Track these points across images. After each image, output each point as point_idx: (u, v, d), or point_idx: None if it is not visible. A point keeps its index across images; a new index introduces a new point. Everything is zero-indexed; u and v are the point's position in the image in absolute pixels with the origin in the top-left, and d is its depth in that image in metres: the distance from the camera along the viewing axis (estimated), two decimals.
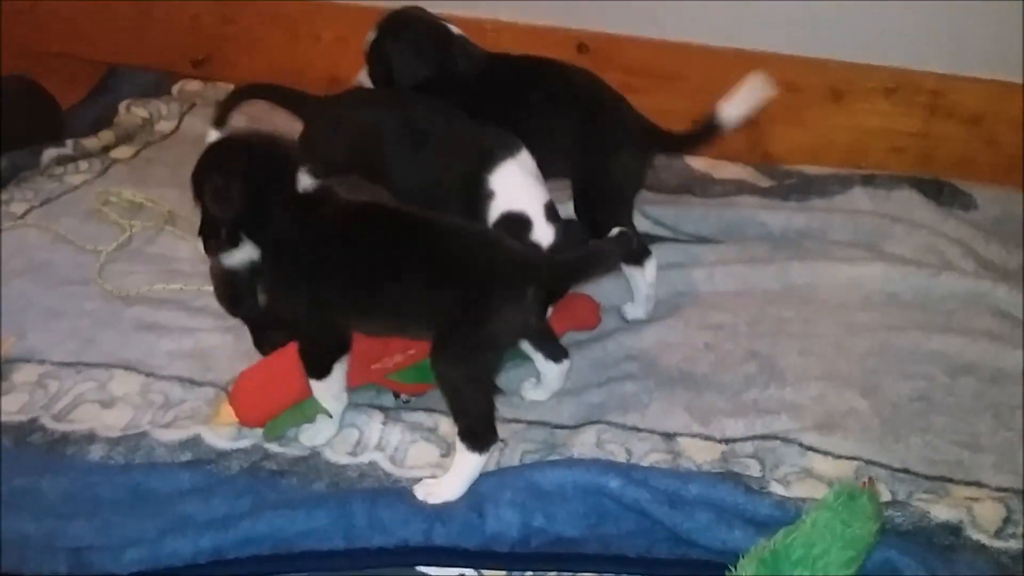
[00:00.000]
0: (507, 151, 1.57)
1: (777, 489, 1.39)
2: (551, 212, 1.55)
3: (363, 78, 1.84)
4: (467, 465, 1.36)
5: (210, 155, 1.41)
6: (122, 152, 2.29)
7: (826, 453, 1.46)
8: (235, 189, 1.36)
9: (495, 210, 1.54)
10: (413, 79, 1.74)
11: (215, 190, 1.37)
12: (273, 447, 1.47)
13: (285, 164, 1.39)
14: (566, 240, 1.53)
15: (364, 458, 1.46)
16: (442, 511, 1.33)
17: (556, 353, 1.53)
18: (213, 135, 1.78)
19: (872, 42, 2.20)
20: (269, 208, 1.38)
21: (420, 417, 1.54)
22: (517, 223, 1.52)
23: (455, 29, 1.82)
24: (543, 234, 1.52)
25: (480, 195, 1.54)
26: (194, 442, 1.47)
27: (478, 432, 1.36)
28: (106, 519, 1.33)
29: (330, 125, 1.70)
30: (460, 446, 1.36)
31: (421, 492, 1.36)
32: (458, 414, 1.36)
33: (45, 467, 1.42)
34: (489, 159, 1.55)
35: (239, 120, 2.46)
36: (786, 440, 1.48)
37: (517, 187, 1.54)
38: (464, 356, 1.34)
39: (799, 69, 2.26)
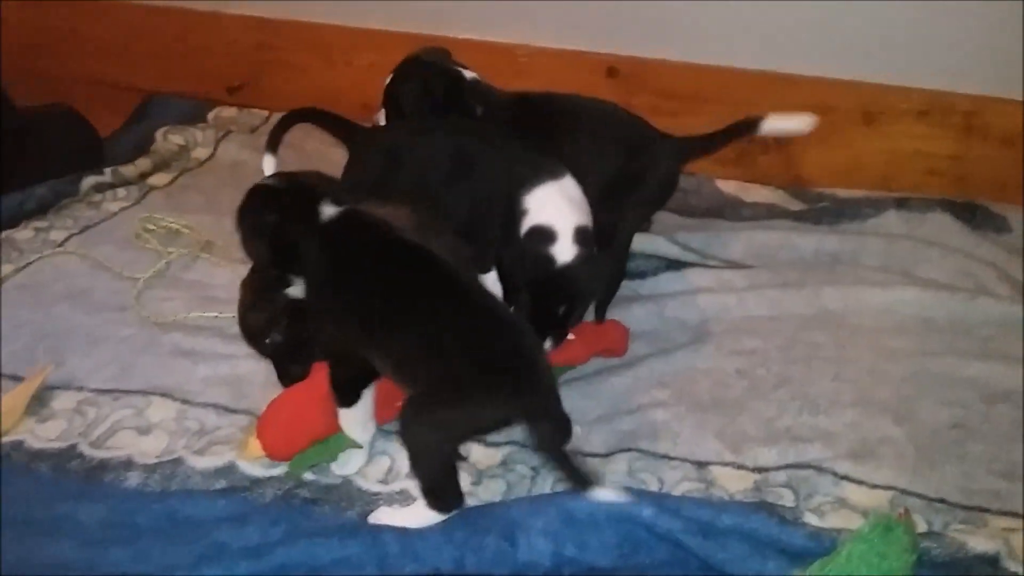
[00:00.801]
0: (548, 174, 1.59)
1: (811, 519, 1.38)
2: (582, 236, 1.56)
3: (380, 118, 1.87)
4: (422, 517, 1.36)
5: (242, 208, 1.47)
6: (159, 179, 2.33)
7: (860, 482, 1.45)
8: (260, 245, 1.44)
9: (526, 225, 1.56)
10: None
11: (244, 245, 1.45)
12: (306, 475, 1.48)
13: (308, 200, 1.43)
14: (591, 266, 1.55)
15: (395, 486, 1.46)
16: (473, 539, 1.33)
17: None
18: (269, 161, 1.90)
19: (905, 64, 2.19)
20: (298, 244, 1.42)
21: None
22: (542, 235, 1.54)
23: (469, 73, 1.86)
24: (564, 251, 1.53)
25: (515, 213, 1.57)
26: (229, 469, 1.49)
27: (438, 495, 1.35)
28: (144, 546, 1.34)
29: (381, 152, 1.74)
30: (421, 501, 1.36)
31: (375, 516, 1.39)
32: (416, 475, 1.36)
33: (83, 494, 1.44)
34: (528, 180, 1.58)
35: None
36: (820, 469, 1.46)
37: (551, 206, 1.56)
38: (431, 429, 1.33)
39: (831, 91, 2.25)
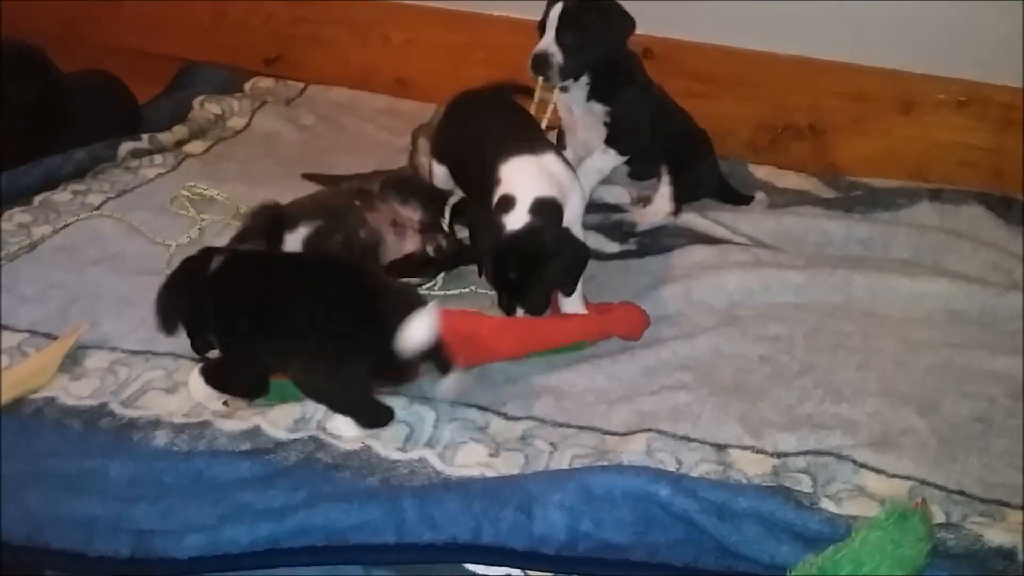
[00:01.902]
0: (528, 148, 1.65)
1: (828, 505, 1.38)
2: (540, 207, 1.60)
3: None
4: (352, 430, 1.50)
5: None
6: (195, 147, 2.36)
7: (880, 471, 1.44)
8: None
9: (496, 194, 1.63)
10: None
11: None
12: (326, 438, 1.50)
13: (201, 263, 1.60)
14: (540, 236, 1.59)
15: (414, 454, 1.48)
16: (491, 510, 1.34)
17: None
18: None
19: (944, 53, 2.17)
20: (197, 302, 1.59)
21: (472, 415, 1.56)
22: (505, 203, 1.62)
23: None
24: (515, 220, 1.60)
25: (493, 181, 1.64)
26: (254, 432, 1.51)
27: (359, 416, 1.50)
28: (169, 504, 1.37)
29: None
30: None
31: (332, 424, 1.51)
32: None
33: (112, 451, 1.47)
34: (507, 152, 1.65)
35: (308, 119, 2.53)
36: (839, 456, 1.46)
37: (518, 177, 1.63)
38: (324, 389, 1.51)
39: (868, 79, 2.24)
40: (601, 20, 1.87)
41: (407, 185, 1.91)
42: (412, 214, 1.86)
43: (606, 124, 1.96)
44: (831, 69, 2.25)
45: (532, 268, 1.60)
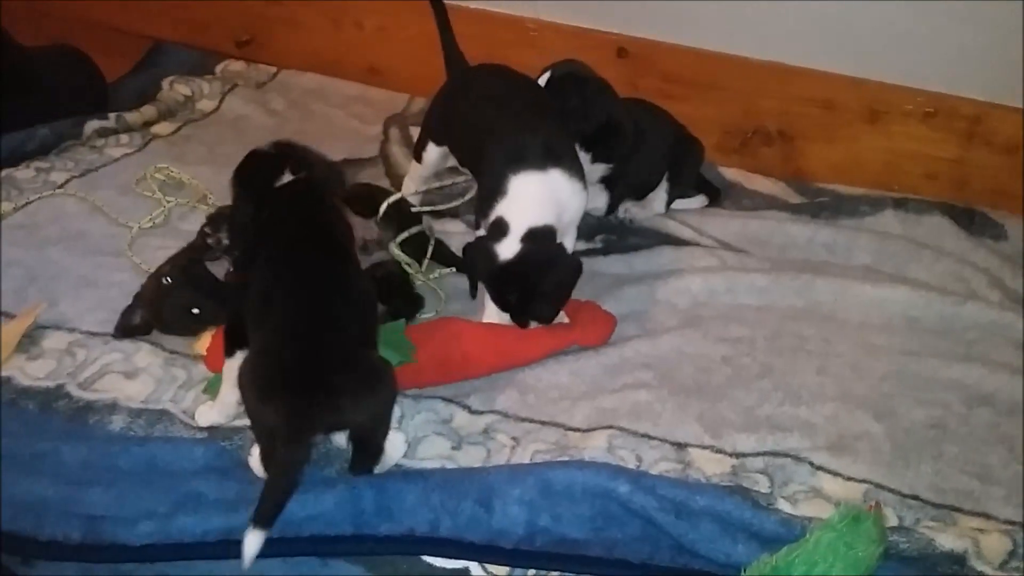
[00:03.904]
0: (535, 162, 1.61)
1: (784, 506, 1.40)
2: (534, 236, 1.59)
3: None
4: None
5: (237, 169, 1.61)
6: (163, 128, 2.33)
7: (836, 474, 1.46)
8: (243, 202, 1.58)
9: (497, 210, 1.61)
10: None
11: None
12: None
13: (274, 166, 1.58)
14: (534, 261, 1.59)
15: None
16: (449, 503, 1.34)
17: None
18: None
19: (913, 65, 2.19)
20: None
21: (437, 406, 1.56)
22: (498, 228, 1.60)
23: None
24: (508, 249, 1.59)
25: (500, 188, 1.61)
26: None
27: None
28: (122, 490, 1.36)
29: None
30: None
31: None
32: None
33: (67, 434, 1.46)
34: (516, 163, 1.61)
35: (279, 104, 2.51)
36: (797, 458, 1.48)
37: (517, 200, 1.61)
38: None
39: (836, 86, 2.26)
40: (580, 96, 1.89)
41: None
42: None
43: (605, 178, 1.98)
44: (801, 75, 2.27)
45: (527, 291, 1.61)
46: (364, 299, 1.47)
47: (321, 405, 1.30)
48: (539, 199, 1.61)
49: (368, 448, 1.40)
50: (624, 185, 2.02)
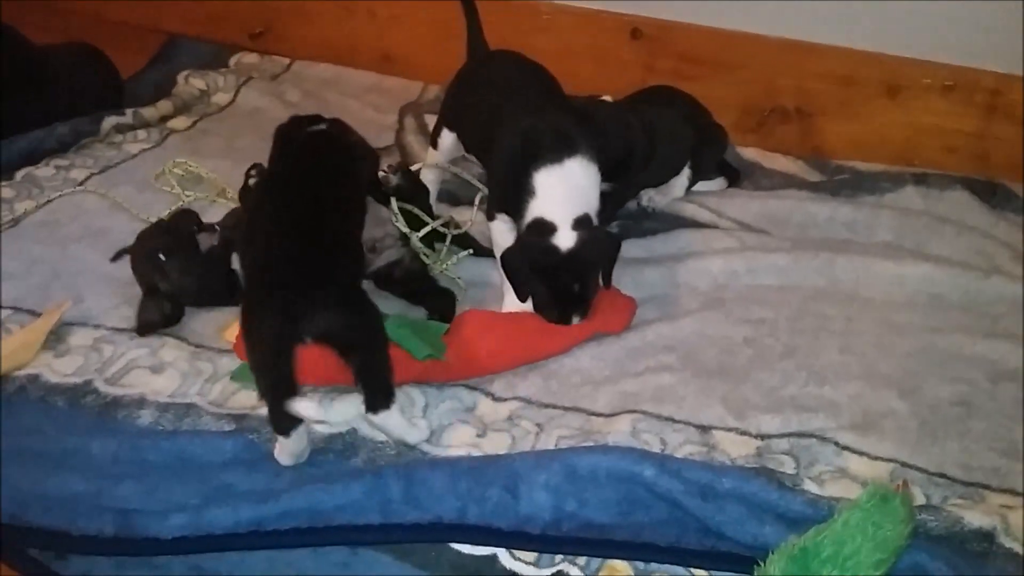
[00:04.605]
0: (554, 155, 1.61)
1: (811, 487, 1.39)
2: (580, 222, 1.59)
3: None
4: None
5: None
6: (179, 122, 2.34)
7: (862, 453, 1.46)
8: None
9: (531, 212, 1.60)
10: None
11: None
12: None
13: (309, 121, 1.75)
14: (591, 245, 1.60)
15: None
16: (476, 490, 1.35)
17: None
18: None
19: (931, 38, 2.16)
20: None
21: (461, 393, 1.57)
22: (543, 227, 1.59)
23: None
24: (565, 239, 1.58)
25: (524, 186, 1.61)
26: (239, 414, 1.51)
27: (271, 416, 1.39)
28: (153, 483, 1.37)
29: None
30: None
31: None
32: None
33: (96, 429, 1.47)
34: (539, 158, 1.61)
35: (294, 95, 2.51)
36: (822, 439, 1.48)
37: (551, 197, 1.60)
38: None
39: (854, 62, 2.23)
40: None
41: None
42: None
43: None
44: (818, 52, 2.25)
45: (590, 277, 1.62)
46: (348, 240, 1.55)
47: (300, 306, 1.38)
48: (572, 189, 1.61)
49: (371, 383, 1.41)
50: (635, 187, 2.00)
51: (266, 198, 1.61)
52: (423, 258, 1.77)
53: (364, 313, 1.45)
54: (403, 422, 1.45)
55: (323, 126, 1.73)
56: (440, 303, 1.71)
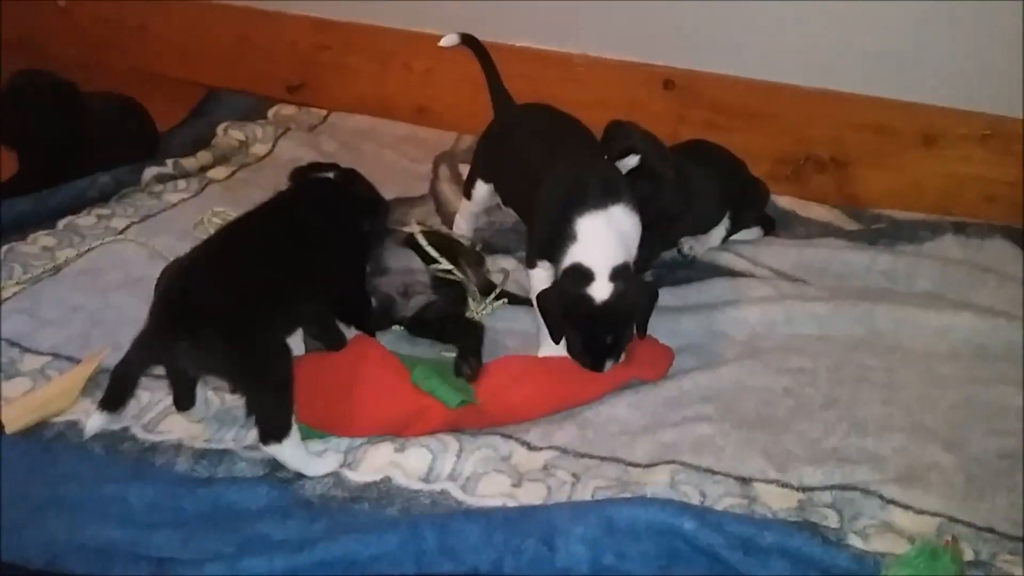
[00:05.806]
0: (597, 201, 1.61)
1: (855, 542, 1.36)
2: (617, 272, 1.59)
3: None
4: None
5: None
6: (218, 173, 2.37)
7: (907, 507, 1.43)
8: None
9: (570, 257, 1.60)
10: None
11: None
12: (345, 471, 1.49)
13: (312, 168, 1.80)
14: (627, 297, 1.59)
15: (436, 486, 1.47)
16: (512, 541, 1.33)
17: None
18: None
19: (967, 87, 2.16)
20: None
21: (496, 442, 1.55)
22: (580, 274, 1.59)
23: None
24: (601, 290, 1.58)
25: (566, 232, 1.61)
26: (273, 459, 1.50)
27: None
28: (189, 532, 1.37)
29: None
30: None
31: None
32: None
33: (133, 476, 1.47)
34: (580, 204, 1.61)
35: (330, 145, 2.54)
36: (866, 491, 1.45)
37: (593, 244, 1.60)
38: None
39: (890, 112, 2.23)
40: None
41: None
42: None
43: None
44: (853, 101, 2.25)
45: (624, 328, 1.62)
46: (302, 281, 1.56)
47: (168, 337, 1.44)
48: (613, 237, 1.61)
49: (258, 417, 1.44)
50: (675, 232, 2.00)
51: (224, 229, 1.64)
52: (471, 304, 1.78)
53: (248, 353, 1.44)
54: (298, 455, 1.47)
55: (330, 174, 1.75)
56: (468, 340, 1.70)
